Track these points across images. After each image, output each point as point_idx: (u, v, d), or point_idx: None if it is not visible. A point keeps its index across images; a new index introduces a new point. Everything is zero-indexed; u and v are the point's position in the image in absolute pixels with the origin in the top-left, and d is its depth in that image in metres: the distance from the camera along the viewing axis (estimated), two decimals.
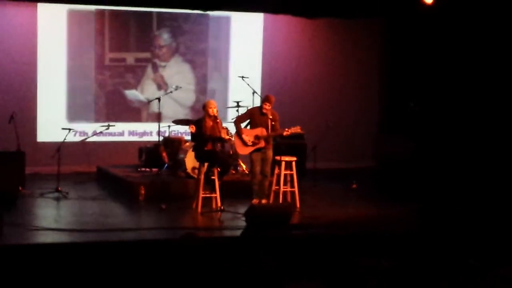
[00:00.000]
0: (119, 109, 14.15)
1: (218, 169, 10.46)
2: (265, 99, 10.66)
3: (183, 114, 14.03)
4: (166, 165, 12.31)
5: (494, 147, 13.13)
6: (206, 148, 10.50)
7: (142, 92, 14.23)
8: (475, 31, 13.42)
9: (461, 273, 8.25)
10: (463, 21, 13.49)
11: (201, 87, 14.66)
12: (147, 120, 13.86)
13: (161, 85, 14.31)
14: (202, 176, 10.47)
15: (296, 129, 10.60)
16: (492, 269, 8.24)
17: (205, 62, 14.65)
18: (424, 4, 13.03)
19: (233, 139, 10.89)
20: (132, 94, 14.20)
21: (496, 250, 9.00)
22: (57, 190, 11.36)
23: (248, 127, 10.82)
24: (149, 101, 13.44)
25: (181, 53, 14.48)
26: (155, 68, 14.34)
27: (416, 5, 13.31)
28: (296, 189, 10.93)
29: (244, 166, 12.34)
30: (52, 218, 9.93)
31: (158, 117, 13.00)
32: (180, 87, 13.33)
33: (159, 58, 14.31)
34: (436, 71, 14.27)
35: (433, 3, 12.90)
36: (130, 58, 14.17)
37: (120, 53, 14.10)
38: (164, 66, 14.36)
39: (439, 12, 13.29)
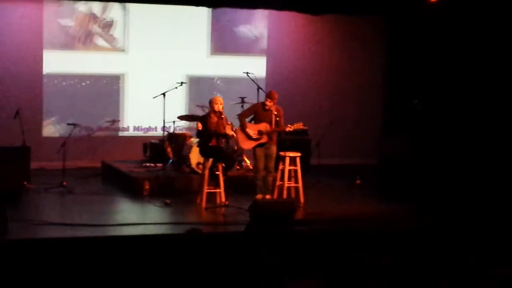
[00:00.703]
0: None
1: (223, 164, 10.51)
2: (267, 95, 10.70)
3: None
4: (171, 160, 12.34)
5: (496, 145, 13.13)
6: (210, 144, 10.54)
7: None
8: (479, 28, 13.42)
9: (462, 271, 8.26)
10: (467, 18, 13.48)
11: None
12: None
13: None
14: (207, 172, 10.50)
15: (299, 125, 10.64)
16: (493, 267, 8.24)
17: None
18: (428, 2, 13.05)
19: (235, 134, 10.92)
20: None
21: (497, 248, 9.01)
22: (62, 185, 11.39)
23: (253, 122, 10.86)
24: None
25: None
26: None
27: (419, 3, 13.32)
28: (300, 185, 10.96)
29: (248, 162, 12.37)
30: (57, 213, 9.98)
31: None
32: (185, 83, 13.31)
33: None
34: (439, 69, 14.26)
35: (437, 0, 12.92)
36: None
37: None
38: None
39: (442, 9, 13.30)
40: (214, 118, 10.51)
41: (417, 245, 9.01)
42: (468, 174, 12.89)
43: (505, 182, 12.32)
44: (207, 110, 11.12)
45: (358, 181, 12.80)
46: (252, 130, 10.64)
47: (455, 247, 8.98)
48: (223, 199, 10.38)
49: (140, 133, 14.18)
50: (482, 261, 8.38)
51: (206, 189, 10.48)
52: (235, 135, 10.84)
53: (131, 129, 14.21)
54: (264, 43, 14.99)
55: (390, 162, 13.76)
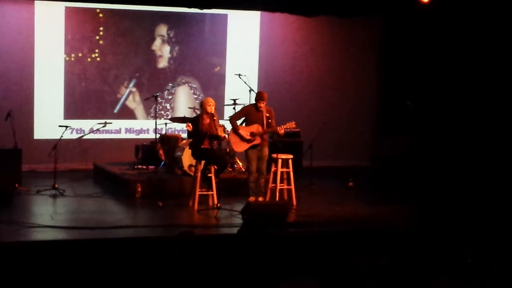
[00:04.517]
0: None
1: (215, 166, 10.49)
2: (259, 98, 10.62)
3: None
4: (163, 162, 12.31)
5: (491, 144, 13.14)
6: (202, 146, 10.51)
7: None
8: (472, 29, 13.44)
9: (459, 271, 8.25)
10: (460, 19, 13.50)
11: None
12: None
13: None
14: (199, 174, 10.48)
15: (291, 125, 10.60)
16: (490, 267, 8.24)
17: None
18: (421, 3, 13.05)
19: (228, 137, 10.89)
20: None
21: (495, 248, 9.01)
22: (53, 187, 11.35)
23: (244, 124, 10.82)
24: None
25: None
26: None
27: (413, 4, 13.32)
28: (292, 187, 10.94)
29: (240, 164, 12.35)
30: (48, 215, 9.93)
31: None
32: (175, 86, 13.29)
33: None
34: (433, 69, 14.27)
35: (430, 1, 12.93)
36: None
37: None
38: None
39: (436, 10, 13.31)
40: (206, 120, 10.49)
41: (411, 246, 9.01)
42: (463, 174, 12.90)
43: (501, 182, 12.32)
44: (198, 112, 11.09)
45: (350, 183, 12.78)
46: (244, 132, 10.61)
47: (452, 248, 8.97)
48: (216, 202, 10.35)
49: (132, 135, 14.14)
50: (480, 261, 8.38)
51: (198, 192, 10.46)
52: (227, 137, 10.82)
53: (123, 131, 14.16)
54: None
55: (384, 162, 13.76)
